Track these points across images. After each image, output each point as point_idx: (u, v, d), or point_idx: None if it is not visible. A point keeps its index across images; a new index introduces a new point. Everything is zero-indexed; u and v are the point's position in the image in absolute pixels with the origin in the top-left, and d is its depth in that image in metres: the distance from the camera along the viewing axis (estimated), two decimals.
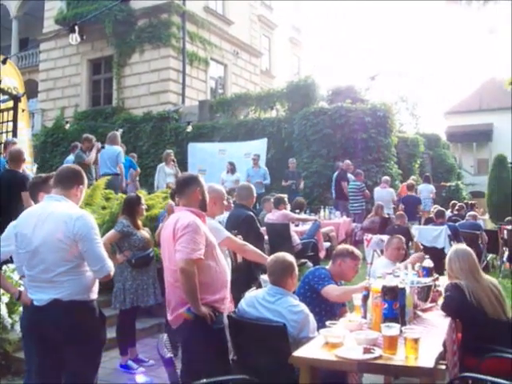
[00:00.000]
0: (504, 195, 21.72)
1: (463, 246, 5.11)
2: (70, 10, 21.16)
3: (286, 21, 29.06)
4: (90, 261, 3.64)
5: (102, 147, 11.05)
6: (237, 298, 4.47)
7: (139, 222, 6.23)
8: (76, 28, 9.89)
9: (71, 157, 11.68)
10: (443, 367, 3.18)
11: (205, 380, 3.45)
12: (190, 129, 18.10)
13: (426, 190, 15.92)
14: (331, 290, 4.53)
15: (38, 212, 3.72)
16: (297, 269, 4.24)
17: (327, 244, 10.55)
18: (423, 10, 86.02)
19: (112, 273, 3.75)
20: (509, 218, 12.93)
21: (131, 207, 6.16)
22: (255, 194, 6.60)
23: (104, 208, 8.83)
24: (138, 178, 12.97)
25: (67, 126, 19.88)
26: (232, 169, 14.34)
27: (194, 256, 3.72)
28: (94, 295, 3.78)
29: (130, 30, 21.01)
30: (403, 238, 6.65)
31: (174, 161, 13.33)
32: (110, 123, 19.91)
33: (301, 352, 3.38)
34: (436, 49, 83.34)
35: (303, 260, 9.26)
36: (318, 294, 4.59)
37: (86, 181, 3.98)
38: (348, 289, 4.64)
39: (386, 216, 12.15)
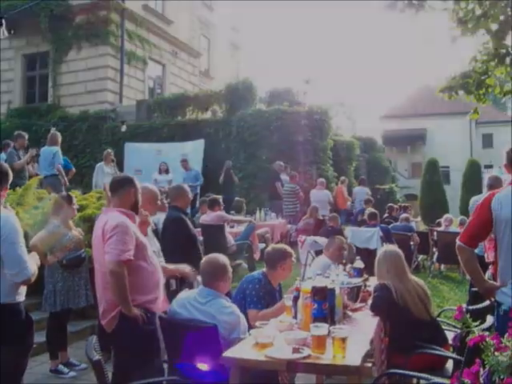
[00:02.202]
0: (435, 198, 22.45)
1: (393, 247, 5.21)
2: (1, 1, 20.48)
3: (226, 22, 29.01)
4: (7, 264, 3.54)
5: (37, 155, 10.86)
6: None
7: (71, 223, 6.12)
8: (3, 21, 9.56)
9: (3, 155, 11.35)
10: (369, 365, 3.24)
11: (137, 382, 3.44)
12: (124, 128, 17.75)
13: (361, 193, 16.30)
14: (252, 319, 4.42)
15: None
16: (230, 271, 4.23)
17: (262, 245, 10.61)
18: (362, 16, 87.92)
19: (33, 278, 3.66)
20: (439, 220, 13.33)
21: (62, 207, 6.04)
22: (188, 195, 6.51)
23: (36, 208, 8.63)
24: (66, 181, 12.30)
25: None
26: (166, 169, 14.26)
27: (124, 257, 3.69)
28: (21, 297, 3.69)
29: (67, 26, 20.46)
30: (344, 239, 6.81)
31: (113, 160, 13.07)
32: (45, 121, 19.42)
33: (231, 352, 3.39)
34: (374, 55, 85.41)
35: (238, 261, 9.32)
36: None
37: (10, 180, 3.88)
38: (265, 315, 4.48)
39: (321, 218, 12.35)
